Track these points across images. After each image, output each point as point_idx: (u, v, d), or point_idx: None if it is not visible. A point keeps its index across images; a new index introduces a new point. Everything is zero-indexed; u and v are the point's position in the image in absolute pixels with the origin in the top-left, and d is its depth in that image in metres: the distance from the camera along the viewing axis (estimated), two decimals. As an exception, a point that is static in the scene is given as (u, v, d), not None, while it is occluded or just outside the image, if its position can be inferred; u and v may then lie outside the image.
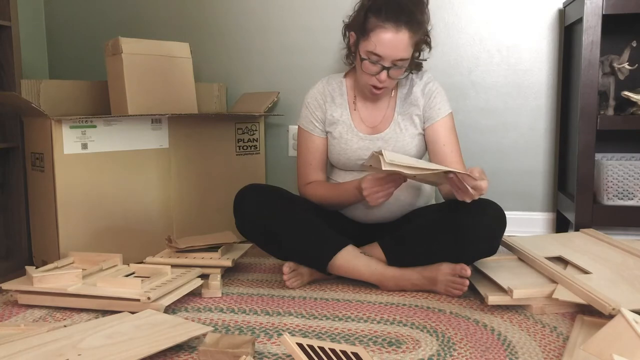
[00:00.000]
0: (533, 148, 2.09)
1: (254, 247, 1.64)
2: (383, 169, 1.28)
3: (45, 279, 1.41)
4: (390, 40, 1.43)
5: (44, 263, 1.70)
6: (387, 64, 1.46)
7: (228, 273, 1.68)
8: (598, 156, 1.93)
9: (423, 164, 1.33)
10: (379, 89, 1.52)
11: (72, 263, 1.59)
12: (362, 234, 1.61)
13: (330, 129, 1.63)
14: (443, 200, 1.64)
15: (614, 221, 1.81)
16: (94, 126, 1.73)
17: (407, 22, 1.44)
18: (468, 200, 1.35)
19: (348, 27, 1.57)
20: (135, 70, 1.86)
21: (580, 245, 1.62)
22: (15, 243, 1.92)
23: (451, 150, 1.58)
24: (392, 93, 1.62)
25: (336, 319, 1.32)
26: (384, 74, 1.48)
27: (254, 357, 1.10)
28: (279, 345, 1.17)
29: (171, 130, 1.91)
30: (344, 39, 1.62)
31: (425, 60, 1.62)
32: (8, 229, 1.92)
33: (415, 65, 1.59)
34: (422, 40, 1.53)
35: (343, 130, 1.61)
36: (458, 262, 1.44)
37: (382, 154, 1.28)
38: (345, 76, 1.67)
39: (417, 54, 1.56)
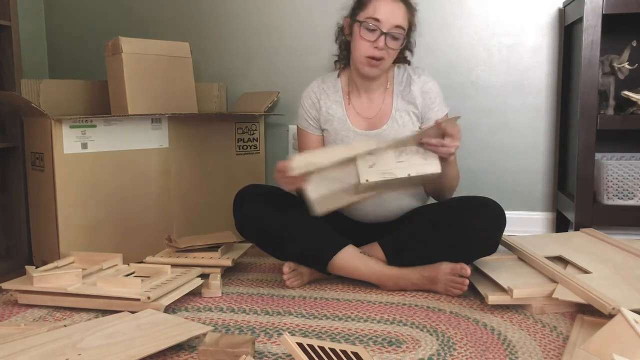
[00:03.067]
0: (533, 148, 2.09)
1: (254, 246, 1.64)
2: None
3: (45, 278, 1.41)
4: (388, 5, 1.48)
5: (44, 263, 1.69)
6: (384, 29, 1.48)
7: (228, 273, 1.68)
8: (598, 156, 1.93)
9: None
10: (377, 60, 1.51)
11: (72, 263, 1.60)
12: (362, 234, 1.61)
13: (325, 126, 1.63)
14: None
15: (614, 221, 1.81)
16: (94, 126, 1.73)
17: None
18: (453, 151, 1.40)
19: (342, 25, 1.61)
20: (135, 70, 1.86)
21: (580, 245, 1.62)
22: (15, 243, 1.92)
23: None
24: (387, 86, 1.62)
25: (336, 318, 1.32)
26: (381, 40, 1.48)
27: (254, 356, 1.10)
28: (279, 344, 1.17)
29: (171, 130, 1.91)
30: (336, 41, 1.65)
31: (408, 57, 1.65)
32: (8, 229, 1.92)
33: (402, 59, 1.63)
34: (412, 26, 1.55)
35: (339, 127, 1.61)
36: (458, 261, 1.44)
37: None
38: (339, 75, 1.67)
39: (406, 42, 1.58)
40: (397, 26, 1.49)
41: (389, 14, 1.48)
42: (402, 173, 1.38)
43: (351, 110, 1.62)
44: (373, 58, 1.51)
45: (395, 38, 1.50)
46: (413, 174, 1.38)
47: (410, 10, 1.53)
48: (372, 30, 1.48)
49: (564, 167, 2.04)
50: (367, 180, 1.36)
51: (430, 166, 1.40)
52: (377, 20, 1.47)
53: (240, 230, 1.57)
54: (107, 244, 1.75)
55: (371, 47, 1.50)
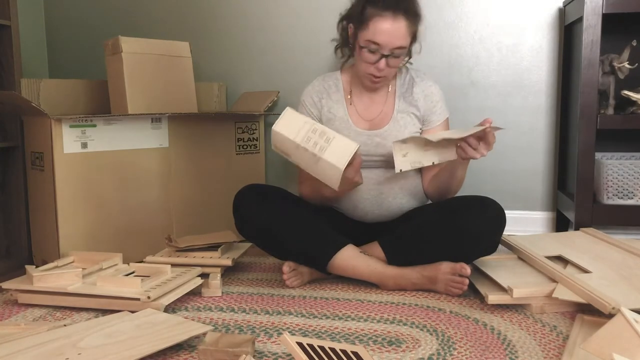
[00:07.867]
0: (533, 147, 2.09)
1: (254, 246, 1.64)
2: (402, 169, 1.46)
3: (45, 278, 1.41)
4: (388, 29, 1.44)
5: (44, 262, 1.70)
6: (385, 52, 1.47)
7: (228, 272, 1.68)
8: (598, 155, 1.93)
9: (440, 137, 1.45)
10: (378, 77, 1.52)
11: (72, 262, 1.60)
12: (362, 234, 1.61)
13: (327, 125, 1.63)
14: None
15: (614, 220, 1.81)
16: (94, 125, 1.73)
17: (404, 10, 1.45)
18: (479, 157, 1.42)
19: (345, 17, 1.58)
20: (135, 70, 1.86)
21: (580, 244, 1.62)
22: (15, 242, 1.92)
23: None
24: (390, 88, 1.62)
25: (336, 318, 1.32)
26: (382, 63, 1.48)
27: (254, 356, 1.10)
28: (279, 344, 1.17)
29: (171, 129, 1.91)
30: (337, 29, 1.62)
31: (411, 58, 1.64)
32: (8, 229, 1.93)
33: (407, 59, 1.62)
34: (415, 37, 1.54)
35: (340, 127, 1.61)
36: (458, 261, 1.44)
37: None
38: (341, 72, 1.66)
39: (411, 48, 1.57)
40: (398, 47, 1.47)
41: (388, 37, 1.44)
42: (427, 161, 1.50)
43: (353, 110, 1.62)
44: (374, 76, 1.51)
45: (396, 57, 1.49)
46: (436, 161, 1.51)
47: (414, 22, 1.49)
48: (373, 52, 1.48)
49: (564, 167, 2.04)
50: (401, 171, 1.51)
51: (450, 154, 1.50)
52: (376, 44, 1.46)
53: (240, 229, 1.57)
54: (107, 244, 1.75)
55: (372, 67, 1.50)
